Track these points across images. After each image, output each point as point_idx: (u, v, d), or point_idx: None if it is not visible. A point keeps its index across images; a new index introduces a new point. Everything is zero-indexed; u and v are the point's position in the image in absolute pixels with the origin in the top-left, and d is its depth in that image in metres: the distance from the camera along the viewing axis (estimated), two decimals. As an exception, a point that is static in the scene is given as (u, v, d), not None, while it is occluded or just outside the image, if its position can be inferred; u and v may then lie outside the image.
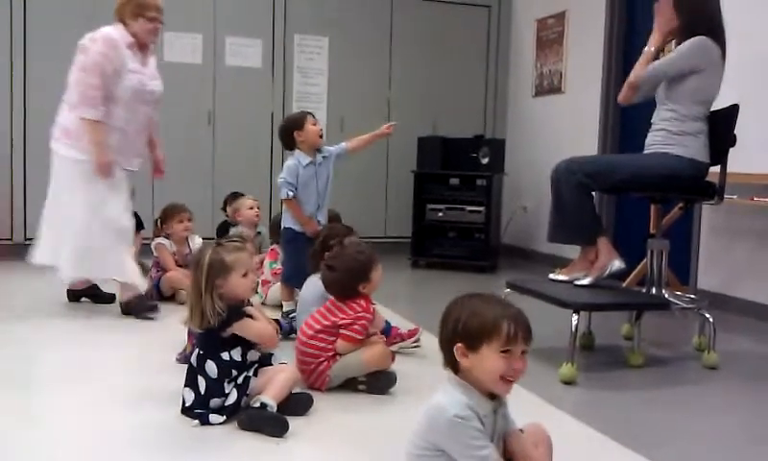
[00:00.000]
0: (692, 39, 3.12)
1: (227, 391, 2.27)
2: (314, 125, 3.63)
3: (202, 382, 2.28)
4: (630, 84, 3.27)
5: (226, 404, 2.26)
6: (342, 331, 2.61)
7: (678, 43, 3.23)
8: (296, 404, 2.34)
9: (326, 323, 2.64)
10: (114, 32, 3.56)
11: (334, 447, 2.16)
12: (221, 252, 2.34)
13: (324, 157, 3.65)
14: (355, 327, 2.62)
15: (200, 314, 2.29)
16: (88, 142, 3.50)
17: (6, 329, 3.41)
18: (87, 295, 4.01)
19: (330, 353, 2.61)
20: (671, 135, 3.19)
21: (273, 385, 2.28)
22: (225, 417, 2.24)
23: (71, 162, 3.57)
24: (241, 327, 2.32)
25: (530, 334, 1.59)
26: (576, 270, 3.27)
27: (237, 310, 2.33)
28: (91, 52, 3.50)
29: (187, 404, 2.28)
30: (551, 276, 3.33)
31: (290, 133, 3.62)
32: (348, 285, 2.69)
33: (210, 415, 2.24)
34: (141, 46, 3.66)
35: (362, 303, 2.67)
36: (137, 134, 3.72)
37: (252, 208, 4.70)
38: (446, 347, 1.61)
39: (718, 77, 3.19)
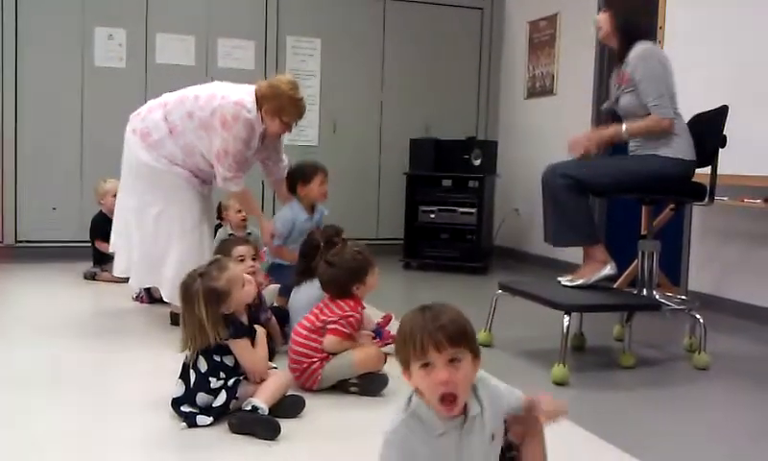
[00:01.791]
0: (641, 51, 3.18)
1: (213, 387, 2.27)
2: (322, 184, 3.60)
3: (192, 375, 2.29)
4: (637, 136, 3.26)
5: (213, 405, 2.26)
6: (329, 326, 2.62)
7: (619, 56, 3.29)
8: (288, 407, 2.34)
9: (318, 323, 2.65)
10: (255, 119, 3.40)
11: (326, 449, 2.16)
12: (209, 282, 2.31)
13: (321, 214, 3.68)
14: (341, 322, 2.63)
15: (205, 342, 2.28)
16: (251, 211, 3.71)
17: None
18: None
19: (323, 354, 2.61)
20: (654, 138, 3.20)
21: (264, 389, 2.29)
22: (212, 418, 2.24)
23: (141, 164, 3.49)
24: (236, 346, 2.33)
25: (451, 336, 1.40)
26: (585, 274, 3.26)
27: (242, 330, 2.35)
28: (234, 131, 3.35)
29: (176, 396, 2.29)
30: (562, 281, 3.29)
31: (295, 181, 3.60)
32: (343, 283, 2.71)
33: (198, 416, 2.24)
34: (264, 138, 3.54)
35: (350, 303, 2.69)
36: (208, 179, 3.61)
37: (239, 212, 4.67)
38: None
39: (671, 71, 3.24)
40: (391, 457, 1.46)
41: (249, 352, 2.35)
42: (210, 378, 2.29)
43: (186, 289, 2.33)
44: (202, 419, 2.24)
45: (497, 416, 1.52)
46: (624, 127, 3.24)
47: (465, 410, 1.47)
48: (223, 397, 2.26)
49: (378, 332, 3.16)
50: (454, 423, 1.46)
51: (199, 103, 3.45)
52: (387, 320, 3.28)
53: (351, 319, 2.66)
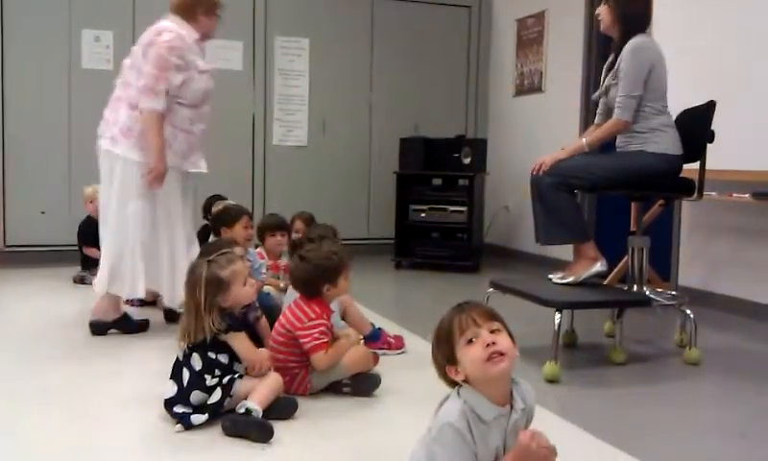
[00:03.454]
0: (633, 46, 3.18)
1: (208, 384, 2.27)
2: (246, 228, 3.47)
3: (185, 374, 2.29)
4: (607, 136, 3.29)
5: (208, 403, 2.25)
6: (306, 347, 2.54)
7: (617, 47, 3.29)
8: (280, 409, 2.33)
9: (288, 333, 2.59)
10: (179, 28, 3.39)
11: (319, 450, 2.16)
12: (215, 268, 2.35)
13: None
14: (314, 335, 2.54)
15: (201, 331, 2.30)
16: (150, 142, 3.29)
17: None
18: (116, 326, 3.51)
19: (306, 362, 2.58)
20: (640, 134, 3.21)
21: (258, 390, 2.28)
22: (207, 416, 2.23)
23: (133, 165, 3.36)
24: (235, 340, 2.34)
25: (486, 314, 1.59)
26: (576, 271, 3.26)
27: (238, 324, 2.37)
28: (158, 45, 3.31)
29: (168, 396, 2.28)
30: (553, 278, 3.29)
31: (218, 226, 3.48)
32: (313, 281, 2.63)
33: (192, 415, 2.23)
34: (202, 41, 3.53)
35: (316, 309, 2.60)
36: (203, 135, 3.53)
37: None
38: (444, 377, 1.62)
39: (665, 67, 3.24)
40: (447, 442, 1.52)
41: (248, 344, 2.37)
42: (205, 376, 2.29)
43: (192, 272, 2.38)
44: (196, 418, 2.23)
45: (532, 413, 1.67)
46: (584, 139, 3.30)
47: (511, 401, 1.59)
48: (218, 394, 2.26)
49: (376, 334, 3.16)
50: (502, 411, 1.57)
51: (135, 64, 3.41)
52: (399, 342, 3.21)
53: (322, 327, 2.56)
